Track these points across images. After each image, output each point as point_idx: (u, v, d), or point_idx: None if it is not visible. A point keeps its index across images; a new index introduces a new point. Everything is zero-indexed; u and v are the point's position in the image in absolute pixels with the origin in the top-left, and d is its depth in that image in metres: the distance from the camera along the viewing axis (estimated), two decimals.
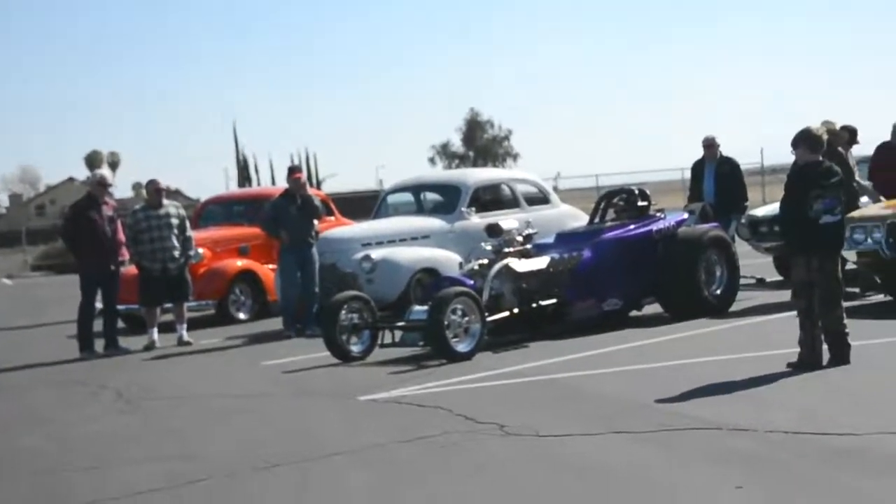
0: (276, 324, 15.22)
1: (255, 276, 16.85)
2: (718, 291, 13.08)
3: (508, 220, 12.61)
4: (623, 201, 13.50)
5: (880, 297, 13.28)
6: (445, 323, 10.92)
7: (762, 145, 44.64)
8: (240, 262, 16.93)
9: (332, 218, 18.02)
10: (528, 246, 12.48)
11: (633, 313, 13.15)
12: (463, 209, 15.68)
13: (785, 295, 14.27)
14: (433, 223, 15.57)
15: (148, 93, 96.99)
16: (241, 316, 16.65)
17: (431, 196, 16.52)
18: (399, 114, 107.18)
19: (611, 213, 13.69)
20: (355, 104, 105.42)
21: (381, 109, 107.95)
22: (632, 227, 13.00)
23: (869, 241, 12.44)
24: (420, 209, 16.59)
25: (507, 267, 12.03)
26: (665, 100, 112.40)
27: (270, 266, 16.54)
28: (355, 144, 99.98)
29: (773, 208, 16.55)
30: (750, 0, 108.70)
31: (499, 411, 8.39)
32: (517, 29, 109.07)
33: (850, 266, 12.89)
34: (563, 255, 12.46)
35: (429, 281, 12.03)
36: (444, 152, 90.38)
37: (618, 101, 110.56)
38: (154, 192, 14.39)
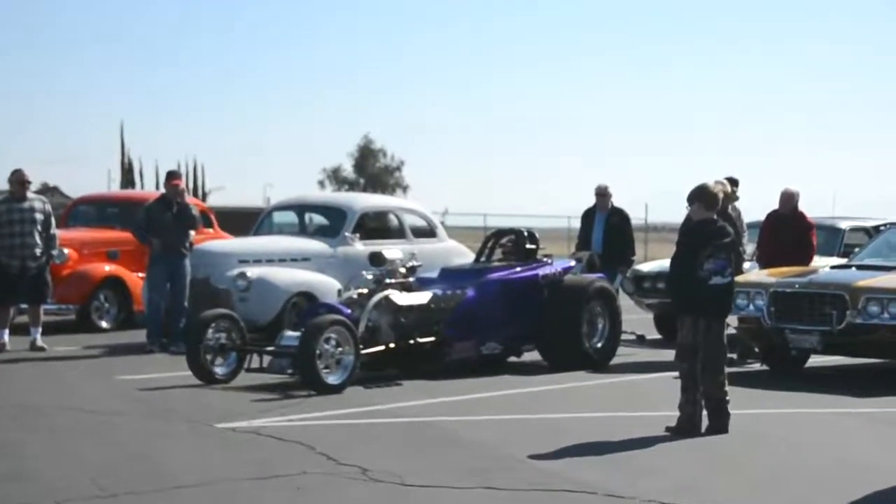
0: (140, 336, 14.49)
1: (122, 284, 16.05)
2: (599, 344, 12.75)
3: (393, 250, 12.13)
4: (511, 242, 13.12)
5: (757, 366, 13.10)
6: (317, 352, 10.38)
7: (647, 201, 44.84)
8: (107, 267, 16.14)
9: (211, 230, 17.35)
10: (411, 279, 12.01)
11: (511, 359, 12.75)
12: (347, 234, 15.16)
13: (664, 354, 14.05)
14: (314, 245, 15.02)
15: (35, 89, 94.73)
16: (104, 324, 15.85)
17: (316, 217, 15.97)
18: (292, 133, 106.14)
19: (498, 253, 13.30)
20: (249, 119, 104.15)
21: (274, 127, 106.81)
22: (518, 269, 12.62)
23: (751, 307, 12.24)
24: (303, 230, 16.04)
25: (387, 298, 11.54)
26: (557, 146, 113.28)
27: (140, 274, 15.79)
28: (245, 160, 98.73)
29: (658, 265, 16.39)
30: (648, 52, 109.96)
31: (364, 453, 7.87)
32: (416, 59, 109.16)
33: (730, 331, 12.73)
34: (447, 291, 12.02)
35: (305, 306, 11.51)
36: (335, 177, 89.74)
37: (510, 143, 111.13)
38: (18, 184, 13.57)
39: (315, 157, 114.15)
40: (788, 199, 13.95)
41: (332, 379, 10.55)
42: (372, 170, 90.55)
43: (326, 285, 14.60)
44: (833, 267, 12.68)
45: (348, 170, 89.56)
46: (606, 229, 15.38)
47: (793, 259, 13.27)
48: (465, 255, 16.64)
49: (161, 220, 13.91)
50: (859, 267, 12.45)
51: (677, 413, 8.83)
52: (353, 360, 10.70)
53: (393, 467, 7.44)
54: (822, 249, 14.71)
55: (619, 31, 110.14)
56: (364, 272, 12.03)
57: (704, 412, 8.82)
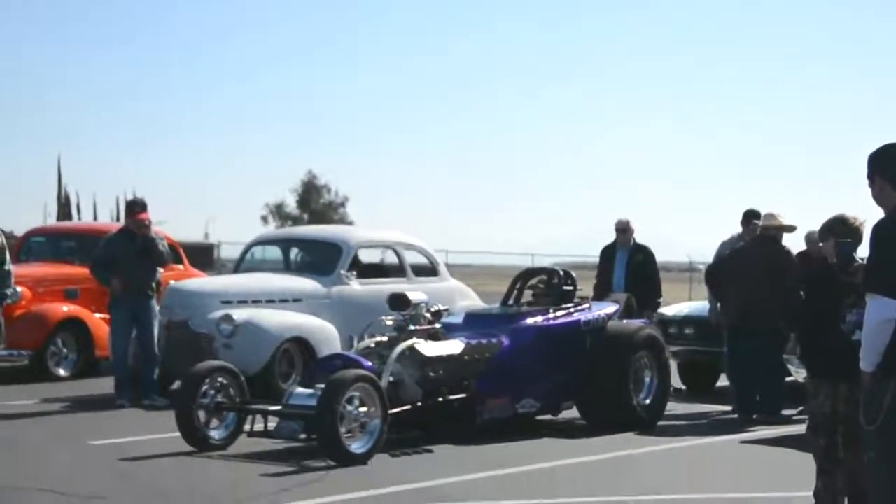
0: (104, 385, 12.66)
1: (82, 326, 14.14)
2: (647, 401, 11.06)
3: (416, 293, 10.37)
4: (543, 283, 11.43)
5: None
6: (340, 414, 8.61)
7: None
8: (65, 308, 14.21)
9: (181, 267, 15.49)
10: (438, 325, 10.26)
11: (545, 417, 11.00)
12: (342, 272, 13.38)
13: (702, 408, 12.46)
14: (307, 285, 13.22)
15: None
16: (62, 372, 13.94)
17: (305, 253, 14.15)
18: (235, 167, 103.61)
19: (527, 295, 11.59)
20: (189, 152, 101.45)
21: (215, 161, 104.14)
22: (556, 315, 10.92)
23: None
24: (288, 267, 14.21)
25: (412, 349, 9.78)
26: (514, 182, 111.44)
27: (102, 315, 13.91)
28: (186, 193, 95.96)
29: (685, 307, 14.81)
30: (608, 84, 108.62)
31: None
32: (363, 95, 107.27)
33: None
34: (480, 340, 10.28)
35: (318, 359, 9.73)
36: (279, 212, 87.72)
37: (462, 180, 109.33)
38: None
39: (258, 191, 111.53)
40: (816, 243, 12.41)
41: (356, 447, 8.78)
42: (316, 205, 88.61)
43: (322, 330, 12.82)
44: None
45: (292, 205, 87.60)
46: (629, 268, 13.75)
47: None
48: (469, 297, 14.94)
49: (124, 257, 12.07)
50: None
51: (808, 499, 7.12)
52: (380, 425, 8.93)
53: None
54: None
55: (575, 62, 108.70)
56: (382, 317, 10.27)
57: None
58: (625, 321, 11.35)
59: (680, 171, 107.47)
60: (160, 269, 12.51)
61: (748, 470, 9.12)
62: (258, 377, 11.84)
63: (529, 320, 10.74)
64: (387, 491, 7.85)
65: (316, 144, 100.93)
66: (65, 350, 14.05)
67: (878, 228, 5.26)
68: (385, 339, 10.02)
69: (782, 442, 10.44)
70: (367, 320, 13.22)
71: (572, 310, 11.05)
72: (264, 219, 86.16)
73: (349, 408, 8.73)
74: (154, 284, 12.30)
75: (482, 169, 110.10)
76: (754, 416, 11.56)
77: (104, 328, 13.73)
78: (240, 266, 14.31)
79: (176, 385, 12.54)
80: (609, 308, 11.34)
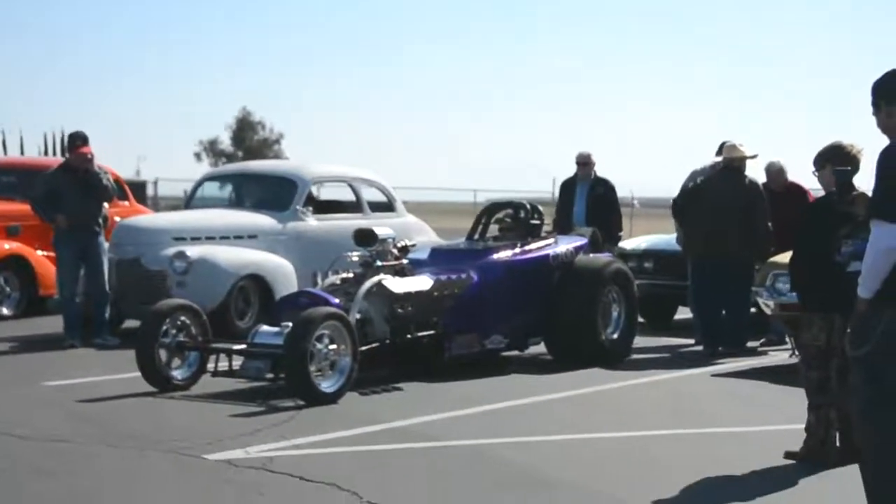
0: (50, 324, 12.23)
1: (25, 264, 13.64)
2: (615, 336, 10.86)
3: (383, 227, 10.04)
4: (510, 217, 11.14)
5: (784, 356, 11.42)
6: (309, 353, 8.31)
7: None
8: (6, 245, 13.69)
9: (127, 203, 15.01)
10: (405, 261, 9.95)
11: (509, 353, 10.77)
12: (298, 207, 13.02)
13: (658, 341, 12.30)
14: (262, 221, 12.83)
15: None
16: (5, 311, 13.46)
17: (259, 189, 13.72)
18: (167, 105, 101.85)
19: (492, 230, 11.31)
20: (119, 88, 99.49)
21: (147, 98, 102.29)
22: (525, 249, 10.65)
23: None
24: (240, 203, 13.78)
25: (380, 285, 9.47)
26: (448, 117, 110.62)
27: (46, 253, 13.44)
28: (116, 130, 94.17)
29: (644, 241, 14.62)
30: (546, 16, 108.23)
31: (408, 495, 5.88)
32: (296, 30, 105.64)
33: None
34: (450, 276, 9.99)
35: (285, 296, 9.34)
36: (212, 150, 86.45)
37: (399, 115, 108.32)
38: None
39: (191, 129, 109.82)
40: (777, 174, 12.27)
41: (326, 386, 8.49)
42: (250, 142, 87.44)
43: (279, 267, 12.49)
44: None
45: (226, 142, 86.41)
46: (590, 202, 13.54)
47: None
48: (426, 233, 14.65)
49: (67, 192, 11.58)
50: None
51: (805, 437, 6.95)
52: (351, 363, 8.64)
53: None
54: None
55: None
56: (348, 253, 9.94)
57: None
58: (592, 255, 11.12)
59: (618, 103, 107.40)
60: (106, 205, 12.06)
61: (727, 403, 8.97)
62: (214, 315, 11.42)
63: (497, 255, 10.46)
64: (360, 431, 7.57)
65: (250, 81, 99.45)
66: (7, 288, 13.57)
67: (885, 154, 5.10)
68: (351, 275, 9.71)
69: (753, 374, 10.33)
70: (323, 257, 12.92)
71: (540, 244, 10.79)
72: (197, 156, 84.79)
73: (319, 346, 8.41)
74: (101, 220, 11.85)
75: (418, 104, 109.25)
76: (719, 349, 11.43)
77: (48, 266, 13.28)
78: (191, 202, 13.88)
79: (128, 324, 12.18)
80: (577, 242, 11.09)
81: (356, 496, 5.88)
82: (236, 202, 13.70)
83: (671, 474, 6.51)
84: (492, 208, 11.47)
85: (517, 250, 10.57)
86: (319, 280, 9.73)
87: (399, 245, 9.91)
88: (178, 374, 8.98)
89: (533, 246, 10.70)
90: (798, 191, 12.17)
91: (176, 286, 11.79)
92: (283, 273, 12.48)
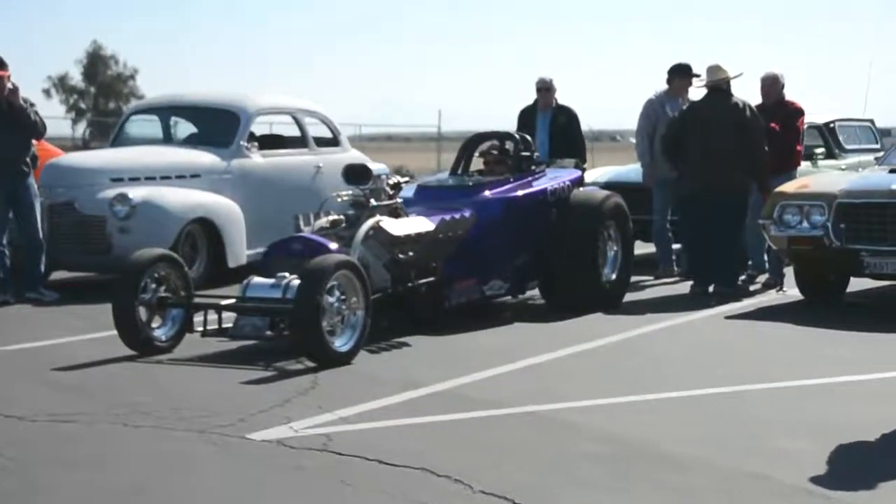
0: None
1: None
2: (613, 276, 10.08)
3: (375, 163, 9.01)
4: (497, 150, 10.22)
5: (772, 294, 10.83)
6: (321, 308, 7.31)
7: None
8: None
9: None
10: (399, 201, 8.97)
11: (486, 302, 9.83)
12: (242, 143, 11.87)
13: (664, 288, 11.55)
14: (204, 159, 11.64)
15: None
16: None
17: (195, 123, 12.48)
18: (8, 40, 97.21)
19: (477, 164, 10.38)
20: None
21: None
22: (520, 184, 9.75)
23: (805, 224, 9.84)
24: (169, 139, 12.54)
25: (378, 228, 8.48)
26: (308, 46, 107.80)
27: None
28: None
29: (607, 172, 13.87)
30: None
31: (496, 471, 5.03)
32: None
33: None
34: (453, 216, 9.03)
35: (275, 242, 8.21)
36: (62, 86, 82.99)
37: (253, 45, 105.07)
38: None
39: (39, 64, 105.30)
40: (773, 83, 11.52)
41: (339, 344, 7.50)
42: (103, 78, 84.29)
43: (227, 209, 11.38)
44: (893, 171, 10.29)
45: (77, 78, 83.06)
46: (552, 132, 12.68)
47: (785, 156, 11.04)
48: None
49: None
50: None
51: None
52: (364, 318, 7.66)
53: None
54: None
55: None
56: (336, 194, 8.92)
57: None
58: (586, 189, 10.29)
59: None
60: (34, 142, 10.75)
61: (776, 350, 8.18)
62: None
63: (492, 192, 9.53)
64: (404, 398, 6.56)
65: (100, 14, 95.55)
66: None
67: None
68: (342, 217, 8.70)
69: (764, 315, 9.66)
70: (272, 198, 11.90)
71: (533, 178, 9.92)
72: (46, 92, 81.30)
73: (330, 299, 7.42)
74: (29, 160, 10.56)
75: (277, 34, 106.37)
76: (710, 289, 10.75)
77: None
78: (118, 139, 12.57)
79: (58, 275, 11.00)
80: (572, 174, 10.23)
81: (463, 484, 4.95)
82: (170, 138, 12.47)
83: (783, 433, 5.75)
84: (476, 139, 10.50)
85: (512, 185, 9.67)
86: (301, 223, 8.68)
87: (391, 182, 8.90)
88: (160, 333, 7.89)
89: (528, 180, 9.81)
90: (793, 107, 11.45)
91: (117, 233, 10.62)
92: (232, 216, 11.38)
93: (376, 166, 8.83)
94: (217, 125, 12.07)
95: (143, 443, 5.65)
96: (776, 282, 11.04)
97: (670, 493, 4.89)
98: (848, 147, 14.93)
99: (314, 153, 12.60)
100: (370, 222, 8.45)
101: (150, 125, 12.77)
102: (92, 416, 6.12)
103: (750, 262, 11.45)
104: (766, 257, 11.28)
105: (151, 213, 10.70)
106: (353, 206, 8.70)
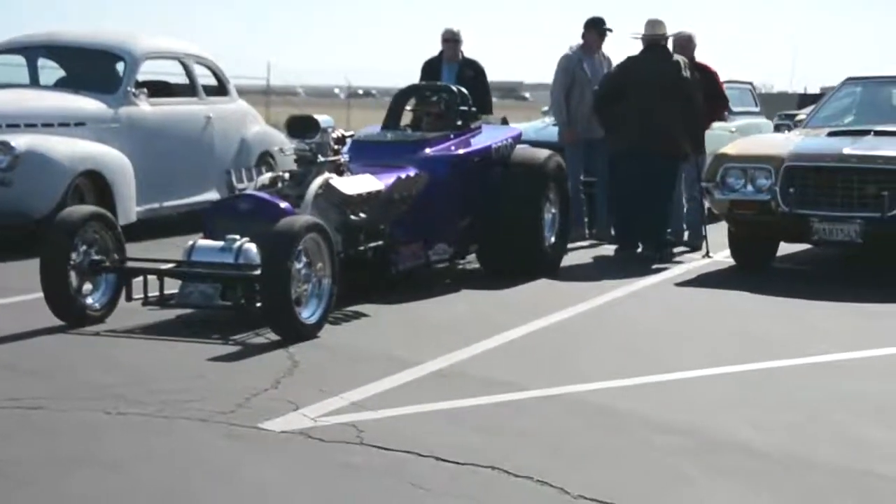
0: None
1: None
2: (552, 240, 9.48)
3: (321, 115, 8.10)
4: (432, 103, 9.45)
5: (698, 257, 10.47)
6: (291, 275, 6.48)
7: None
8: None
9: None
10: (344, 157, 8.13)
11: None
12: (130, 89, 10.77)
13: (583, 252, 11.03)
14: (89, 105, 10.51)
15: None
16: None
17: (75, 65, 11.25)
18: None
19: (407, 118, 9.60)
20: None
21: None
22: (463, 141, 9.04)
23: (750, 188, 9.45)
24: (35, 82, 11.28)
25: (329, 186, 7.64)
26: None
27: None
28: None
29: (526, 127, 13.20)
30: None
31: (540, 460, 4.41)
32: None
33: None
34: (408, 174, 8.24)
35: (218, 199, 7.23)
36: None
37: None
38: None
39: None
40: (687, 43, 11.09)
41: (306, 315, 6.69)
42: None
43: (116, 161, 10.32)
44: (831, 134, 9.96)
45: None
46: (458, 84, 11.97)
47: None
48: (259, 120, 12.73)
49: None
50: (876, 133, 9.76)
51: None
52: (330, 286, 6.86)
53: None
54: None
55: None
56: (279, 147, 8.04)
57: None
58: (525, 148, 9.63)
59: None
60: None
61: (769, 323, 7.69)
62: (45, 222, 9.22)
63: (435, 149, 8.78)
64: (409, 378, 5.79)
65: None
66: None
67: None
68: (282, 174, 7.83)
69: (715, 282, 9.23)
70: (163, 149, 10.94)
71: (472, 135, 9.22)
72: None
73: (298, 265, 6.59)
74: None
75: None
76: (638, 251, 10.31)
77: None
78: None
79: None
80: (513, 132, 9.57)
81: (552, 487, 4.27)
82: (38, 83, 11.20)
83: (854, 417, 5.28)
84: (409, 92, 9.71)
85: (456, 141, 8.95)
86: (234, 179, 7.78)
87: (335, 136, 8.06)
88: (92, 301, 6.90)
89: (468, 137, 9.11)
90: (707, 70, 11.03)
91: None
92: (123, 169, 10.32)
93: (322, 118, 7.96)
94: (101, 68, 10.96)
95: (144, 436, 4.75)
96: (699, 246, 10.69)
97: (794, 495, 4.32)
98: (736, 110, 14.76)
99: (204, 102, 11.60)
100: (319, 180, 7.61)
101: (14, 68, 11.46)
102: (58, 402, 5.17)
103: (669, 230, 11.05)
104: (683, 224, 10.94)
105: (37, 163, 9.58)
106: (298, 162, 7.83)
